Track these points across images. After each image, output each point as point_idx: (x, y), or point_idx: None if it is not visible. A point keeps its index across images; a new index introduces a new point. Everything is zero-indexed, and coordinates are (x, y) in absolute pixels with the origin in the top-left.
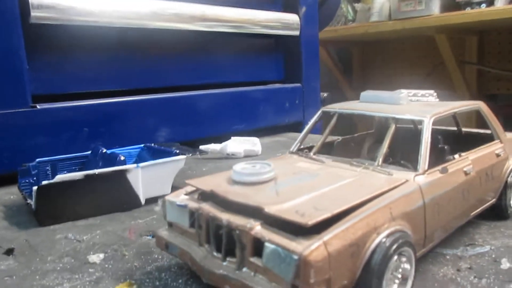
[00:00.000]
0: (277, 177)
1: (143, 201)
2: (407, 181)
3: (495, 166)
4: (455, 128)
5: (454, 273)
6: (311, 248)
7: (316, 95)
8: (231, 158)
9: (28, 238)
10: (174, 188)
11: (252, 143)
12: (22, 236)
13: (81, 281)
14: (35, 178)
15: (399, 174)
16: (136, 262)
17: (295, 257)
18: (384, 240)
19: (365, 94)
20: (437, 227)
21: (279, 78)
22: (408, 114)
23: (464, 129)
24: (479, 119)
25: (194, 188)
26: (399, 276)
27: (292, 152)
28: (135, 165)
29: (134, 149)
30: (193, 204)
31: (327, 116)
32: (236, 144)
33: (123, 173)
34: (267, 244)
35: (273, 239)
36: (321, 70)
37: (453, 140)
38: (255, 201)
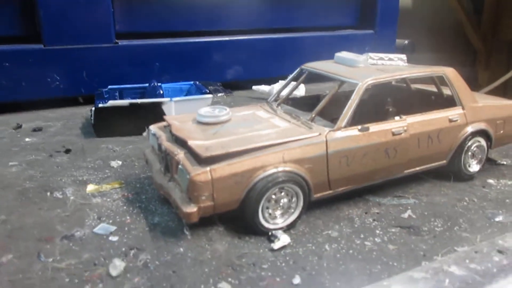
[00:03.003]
0: (229, 121)
1: None
2: (319, 134)
3: (444, 131)
4: (435, 89)
5: (359, 214)
6: (197, 172)
7: (391, 42)
8: None
9: (84, 144)
10: None
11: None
12: (82, 142)
13: (96, 176)
14: (106, 100)
15: (316, 128)
16: (138, 171)
17: (187, 176)
18: (266, 175)
19: (337, 55)
20: (347, 175)
21: (352, 24)
22: (350, 78)
23: (446, 93)
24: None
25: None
26: (281, 205)
27: (267, 102)
28: (169, 98)
29: (185, 85)
30: (159, 133)
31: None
32: None
33: (159, 104)
34: (180, 166)
35: (184, 163)
36: (444, 9)
37: (418, 99)
38: (189, 136)
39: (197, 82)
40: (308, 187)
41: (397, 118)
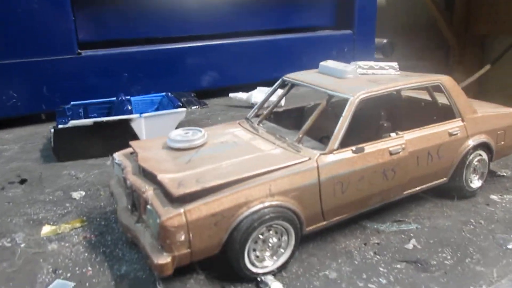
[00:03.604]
0: (205, 144)
1: None
2: (308, 159)
3: (444, 146)
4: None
5: (357, 246)
6: (169, 215)
7: (369, 42)
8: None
9: (43, 171)
10: None
11: (276, 94)
12: (40, 168)
13: (54, 212)
14: (69, 118)
15: (306, 152)
16: (104, 203)
17: (158, 220)
18: (251, 212)
19: (323, 64)
20: (343, 203)
21: (330, 24)
22: (339, 92)
23: (440, 101)
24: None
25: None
26: (269, 245)
27: (246, 118)
28: (138, 115)
29: (156, 96)
30: (125, 163)
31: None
32: (261, 94)
33: (127, 121)
34: (148, 206)
35: (153, 203)
36: (416, 6)
37: (414, 112)
38: (158, 169)
39: (169, 94)
40: (299, 221)
41: (393, 134)
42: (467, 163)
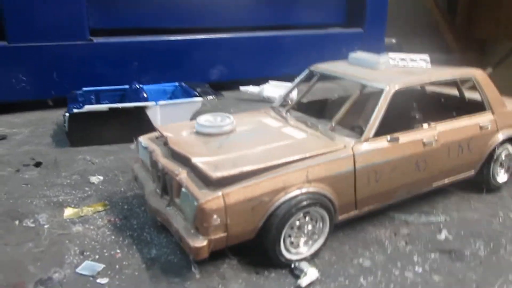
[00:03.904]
0: (234, 130)
1: None
2: (344, 147)
3: (475, 139)
4: (457, 93)
5: (387, 236)
6: (208, 198)
7: (380, 41)
8: (266, 101)
9: (57, 155)
10: None
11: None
12: (54, 152)
13: (74, 196)
14: (81, 104)
15: (340, 140)
16: (124, 187)
17: (195, 203)
18: (289, 198)
19: (352, 55)
20: (375, 193)
21: (341, 22)
22: (374, 82)
23: (467, 94)
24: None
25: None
26: (305, 231)
27: (272, 107)
28: (154, 102)
29: (169, 86)
30: (153, 147)
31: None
32: (273, 89)
33: (142, 109)
34: (183, 189)
35: (188, 185)
36: (419, 9)
37: (442, 105)
38: (191, 152)
39: (183, 83)
40: (334, 208)
41: (425, 126)
42: (495, 157)
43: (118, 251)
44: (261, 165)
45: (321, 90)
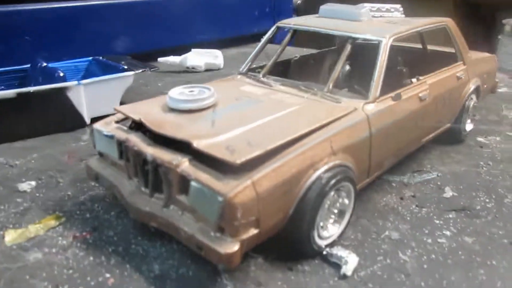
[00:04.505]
0: (217, 103)
1: (88, 121)
2: (355, 109)
3: (454, 90)
4: (420, 46)
5: (396, 201)
6: (238, 190)
7: (288, 2)
8: (191, 71)
9: None
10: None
11: (213, 56)
12: None
13: (6, 212)
14: None
15: (348, 102)
16: (70, 191)
17: (220, 198)
18: (321, 176)
19: (325, 7)
20: (385, 156)
21: None
22: (366, 34)
23: (429, 47)
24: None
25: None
26: (335, 211)
27: (241, 73)
28: (75, 82)
29: (81, 62)
30: (120, 134)
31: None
32: (197, 57)
33: (62, 91)
34: (193, 183)
35: (200, 177)
36: None
37: (416, 59)
38: (185, 133)
39: (101, 58)
40: (353, 182)
41: (414, 80)
42: (466, 106)
43: (108, 275)
44: (282, 141)
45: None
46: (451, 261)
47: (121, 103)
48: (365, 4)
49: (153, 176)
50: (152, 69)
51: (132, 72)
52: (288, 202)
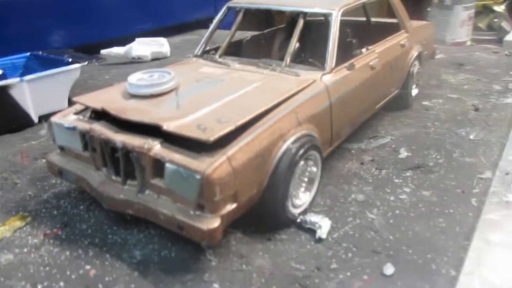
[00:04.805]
0: (179, 86)
1: (35, 119)
2: (314, 81)
3: (400, 57)
4: (364, 19)
5: (357, 167)
6: (214, 166)
7: None
8: (137, 62)
9: None
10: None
11: (159, 44)
12: None
13: None
14: None
15: (306, 74)
16: (30, 191)
17: (198, 176)
18: (290, 146)
19: None
20: (344, 124)
21: None
22: (316, 7)
23: (373, 19)
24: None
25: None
26: (305, 179)
27: (196, 55)
28: (18, 79)
29: (18, 58)
30: (83, 126)
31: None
32: (142, 47)
33: (3, 89)
34: (168, 164)
35: (174, 158)
36: None
37: (361, 31)
38: (152, 117)
39: (40, 53)
40: (320, 150)
41: (364, 50)
42: (411, 72)
43: (88, 267)
44: (251, 115)
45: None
46: (413, 214)
47: (69, 99)
48: None
49: (124, 163)
50: (99, 60)
51: (78, 65)
52: (262, 174)
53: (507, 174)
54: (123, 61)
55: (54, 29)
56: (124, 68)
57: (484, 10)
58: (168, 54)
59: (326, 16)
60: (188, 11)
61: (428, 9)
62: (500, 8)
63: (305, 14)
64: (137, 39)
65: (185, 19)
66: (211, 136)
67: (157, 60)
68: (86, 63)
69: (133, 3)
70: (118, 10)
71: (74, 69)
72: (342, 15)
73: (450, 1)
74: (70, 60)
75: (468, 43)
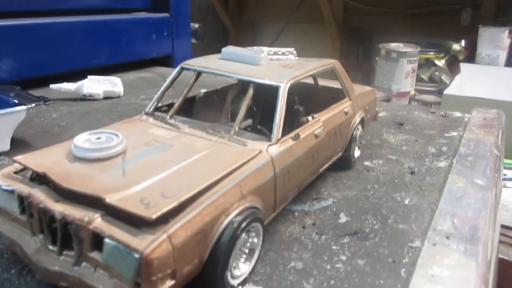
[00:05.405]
0: (126, 150)
1: None
2: (260, 152)
3: (343, 124)
4: (313, 82)
5: (299, 231)
6: (154, 245)
7: (186, 25)
8: (88, 99)
9: None
10: (16, 143)
11: (112, 83)
12: None
13: None
14: None
15: (253, 144)
16: None
17: (136, 255)
18: (233, 220)
19: (226, 50)
20: (288, 191)
21: (145, 6)
22: (266, 79)
23: (321, 83)
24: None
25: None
26: (246, 250)
27: (147, 113)
28: None
29: None
30: (22, 189)
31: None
32: (94, 84)
33: None
34: (107, 240)
35: (114, 234)
36: None
37: (310, 94)
38: (96, 187)
39: None
40: (262, 221)
41: (310, 118)
42: (353, 136)
43: None
44: (195, 190)
45: (183, 86)
46: (347, 285)
47: (12, 139)
48: (263, 48)
49: (62, 234)
50: (47, 103)
51: (24, 107)
52: (202, 249)
53: (434, 245)
54: (74, 98)
55: (0, 59)
56: (75, 106)
57: (427, 63)
58: (122, 93)
59: (274, 88)
60: (145, 48)
61: (377, 58)
62: (441, 63)
63: (255, 84)
64: (89, 76)
65: (141, 56)
66: (153, 213)
67: (109, 99)
68: (33, 105)
69: (86, 37)
70: (70, 43)
71: (19, 111)
72: (290, 86)
73: (396, 54)
74: (15, 101)
75: (412, 92)
